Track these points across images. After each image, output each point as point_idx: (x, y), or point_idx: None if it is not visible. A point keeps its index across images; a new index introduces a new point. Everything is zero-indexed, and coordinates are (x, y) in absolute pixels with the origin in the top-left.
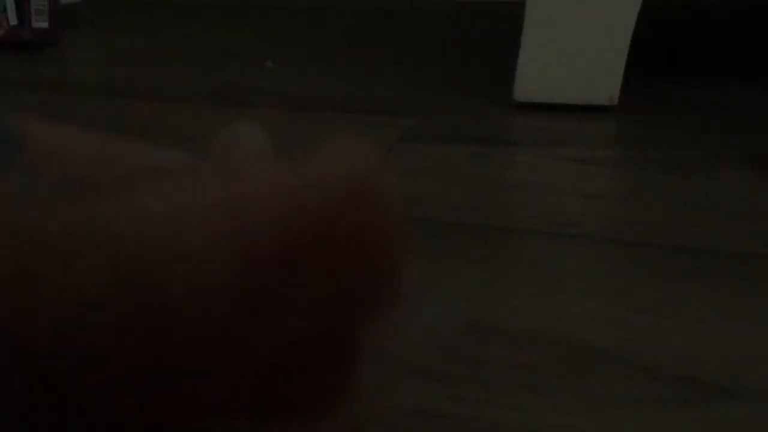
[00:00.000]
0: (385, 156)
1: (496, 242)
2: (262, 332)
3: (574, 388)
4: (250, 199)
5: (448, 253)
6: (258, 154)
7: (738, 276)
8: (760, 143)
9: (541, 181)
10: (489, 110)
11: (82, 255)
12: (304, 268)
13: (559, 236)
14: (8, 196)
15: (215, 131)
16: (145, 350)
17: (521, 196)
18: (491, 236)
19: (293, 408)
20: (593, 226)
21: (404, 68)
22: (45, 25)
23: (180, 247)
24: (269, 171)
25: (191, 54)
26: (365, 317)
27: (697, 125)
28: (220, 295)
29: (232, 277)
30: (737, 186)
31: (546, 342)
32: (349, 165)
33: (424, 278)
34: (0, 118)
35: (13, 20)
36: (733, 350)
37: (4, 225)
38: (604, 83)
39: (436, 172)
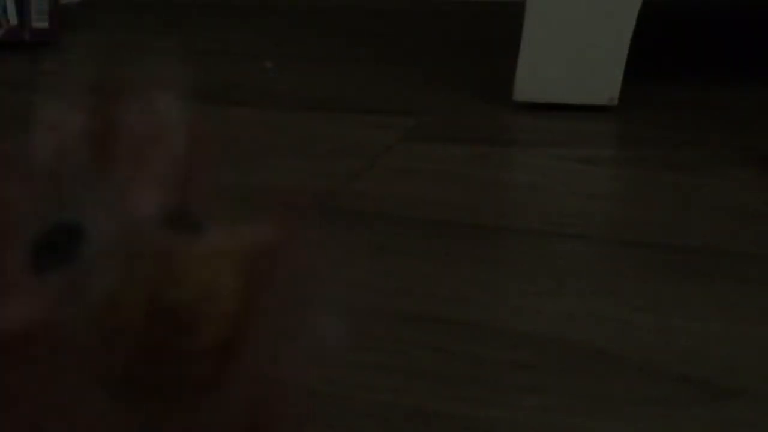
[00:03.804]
0: (384, 156)
1: (496, 242)
2: None
3: (574, 388)
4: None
5: (448, 253)
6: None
7: (738, 276)
8: (760, 143)
9: (541, 181)
10: (489, 110)
11: None
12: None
13: (560, 236)
14: None
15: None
16: None
17: (521, 196)
18: (491, 236)
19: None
20: (593, 226)
21: (405, 68)
22: (45, 25)
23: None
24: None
25: (191, 54)
26: None
27: (697, 125)
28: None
29: None
30: (737, 186)
31: (546, 342)
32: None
33: (425, 277)
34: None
35: (13, 20)
36: (733, 350)
37: None
38: (604, 83)
39: (436, 172)
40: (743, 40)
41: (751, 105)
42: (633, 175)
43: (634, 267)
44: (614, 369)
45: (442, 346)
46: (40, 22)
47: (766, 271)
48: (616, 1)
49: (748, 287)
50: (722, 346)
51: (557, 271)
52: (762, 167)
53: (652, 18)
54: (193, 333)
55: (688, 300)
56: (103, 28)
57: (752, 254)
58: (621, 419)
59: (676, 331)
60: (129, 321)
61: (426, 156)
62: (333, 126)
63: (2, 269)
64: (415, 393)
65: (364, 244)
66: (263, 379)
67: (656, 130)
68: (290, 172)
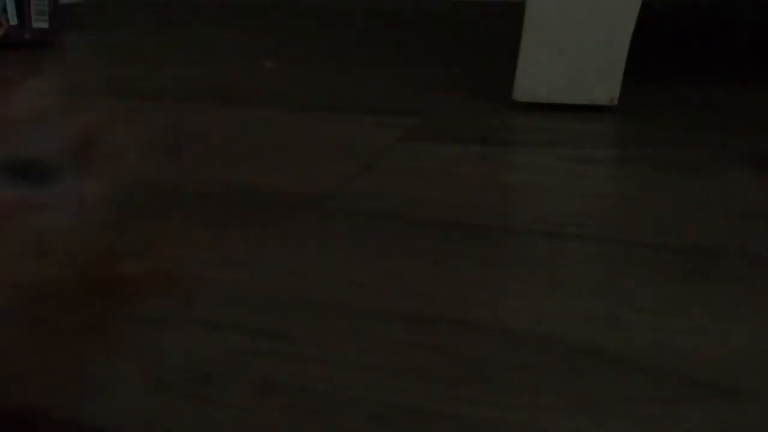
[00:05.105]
0: (385, 156)
1: (496, 242)
2: None
3: (574, 388)
4: None
5: (448, 253)
6: None
7: (738, 276)
8: (760, 143)
9: (541, 181)
10: (489, 110)
11: None
12: None
13: (559, 236)
14: None
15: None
16: None
17: (521, 196)
18: (491, 236)
19: None
20: (593, 226)
21: (404, 68)
22: (45, 25)
23: None
24: None
25: (191, 54)
26: None
27: (697, 125)
28: None
29: None
30: (737, 186)
31: (546, 342)
32: None
33: (425, 277)
34: None
35: (13, 20)
36: (733, 350)
37: None
38: (604, 83)
39: (436, 172)
40: (743, 40)
41: (751, 105)
42: (633, 175)
43: (634, 267)
44: (614, 369)
45: (442, 346)
46: (40, 22)
47: (766, 271)
48: (616, 1)
49: (748, 287)
50: (722, 346)
51: (557, 271)
52: (762, 167)
53: (652, 18)
54: None
55: (688, 300)
56: (103, 28)
57: (752, 254)
58: (621, 419)
59: (676, 331)
60: None
61: (426, 156)
62: (333, 126)
63: None
64: (415, 393)
65: (364, 244)
66: None
67: (656, 130)
68: (290, 172)
